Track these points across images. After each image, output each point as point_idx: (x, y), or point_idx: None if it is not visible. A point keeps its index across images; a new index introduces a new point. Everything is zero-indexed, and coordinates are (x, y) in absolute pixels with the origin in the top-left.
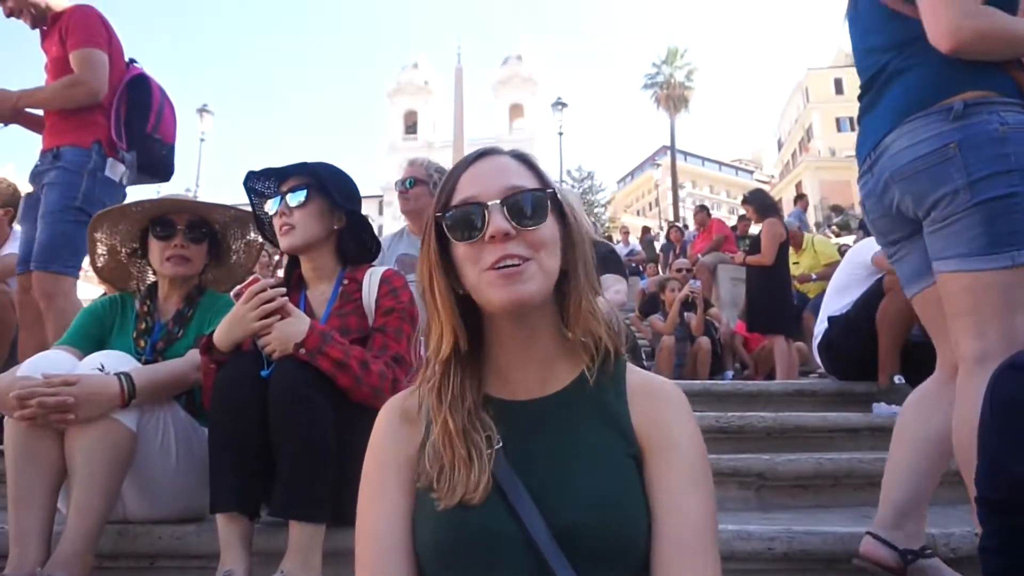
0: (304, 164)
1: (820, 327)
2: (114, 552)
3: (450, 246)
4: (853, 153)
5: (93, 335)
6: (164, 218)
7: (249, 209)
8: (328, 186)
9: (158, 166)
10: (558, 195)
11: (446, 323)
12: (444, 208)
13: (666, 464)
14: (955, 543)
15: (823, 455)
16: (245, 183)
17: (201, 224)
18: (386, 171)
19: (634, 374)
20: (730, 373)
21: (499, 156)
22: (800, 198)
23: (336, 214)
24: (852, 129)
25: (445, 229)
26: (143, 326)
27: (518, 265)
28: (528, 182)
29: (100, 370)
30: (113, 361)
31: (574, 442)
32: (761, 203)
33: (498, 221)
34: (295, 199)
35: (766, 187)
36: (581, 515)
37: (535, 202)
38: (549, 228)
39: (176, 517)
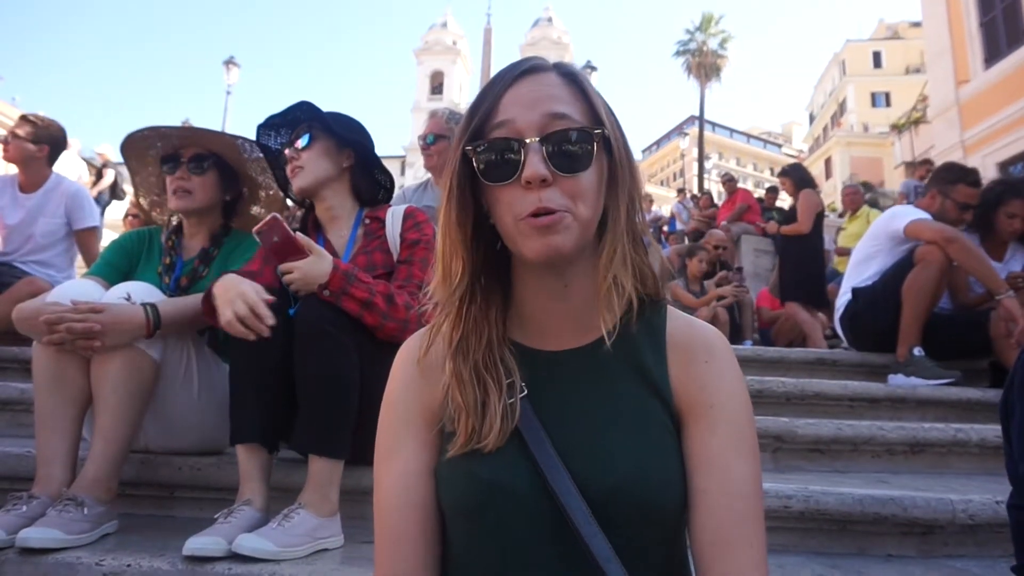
0: (304, 103)
1: (843, 299)
2: (136, 480)
3: (477, 177)
4: (886, 129)
5: (120, 267)
6: (173, 154)
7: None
8: (330, 124)
9: None
10: (606, 130)
11: (456, 256)
12: (475, 136)
13: (708, 425)
14: (973, 510)
15: (843, 421)
16: (257, 140)
17: (207, 156)
18: (409, 131)
19: (675, 322)
20: (749, 342)
21: (544, 74)
22: (924, 163)
23: (344, 152)
24: (887, 104)
25: (474, 164)
26: (168, 260)
27: (553, 213)
28: (575, 111)
29: (126, 299)
30: (139, 291)
31: (606, 400)
32: (800, 177)
33: (535, 165)
34: (301, 142)
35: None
36: (614, 482)
37: (581, 143)
38: (592, 174)
39: (195, 450)
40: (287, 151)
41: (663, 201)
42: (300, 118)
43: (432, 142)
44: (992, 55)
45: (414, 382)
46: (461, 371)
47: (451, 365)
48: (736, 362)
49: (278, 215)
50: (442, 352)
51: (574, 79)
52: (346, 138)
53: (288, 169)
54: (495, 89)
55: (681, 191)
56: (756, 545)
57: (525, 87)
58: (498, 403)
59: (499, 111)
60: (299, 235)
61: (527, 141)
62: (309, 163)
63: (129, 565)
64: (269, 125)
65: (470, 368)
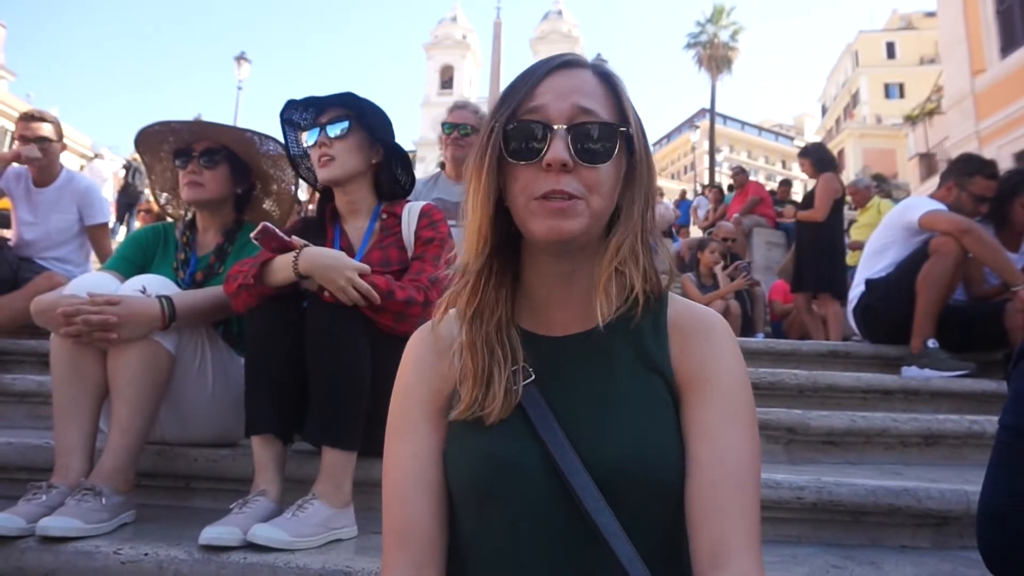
0: (349, 94)
1: (856, 291)
2: (153, 471)
3: (504, 158)
4: (899, 120)
5: (135, 261)
6: (184, 148)
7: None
8: (369, 119)
9: None
10: (631, 130)
11: (485, 224)
12: (509, 118)
13: (703, 399)
14: None
15: (856, 413)
16: (282, 114)
17: (218, 150)
18: (419, 126)
19: (675, 305)
20: (761, 335)
21: (580, 71)
22: None
23: (375, 148)
24: (901, 96)
25: (503, 141)
26: (182, 256)
27: (567, 199)
28: (604, 109)
29: (142, 292)
30: (154, 284)
31: (608, 382)
32: (819, 157)
33: (559, 150)
34: (335, 130)
35: None
36: (618, 458)
37: (605, 137)
38: (611, 168)
39: (210, 441)
40: (319, 137)
41: (673, 195)
42: (335, 103)
43: (467, 133)
44: (1008, 44)
45: (426, 365)
46: (474, 338)
47: (465, 330)
48: (736, 343)
49: (268, 224)
50: (454, 328)
51: (608, 79)
52: (379, 135)
53: (316, 155)
54: (533, 77)
55: (706, 186)
56: (747, 514)
57: (561, 78)
58: (502, 375)
59: (534, 97)
60: (294, 238)
61: (554, 127)
62: (341, 155)
63: (146, 554)
64: (296, 102)
65: (482, 337)
